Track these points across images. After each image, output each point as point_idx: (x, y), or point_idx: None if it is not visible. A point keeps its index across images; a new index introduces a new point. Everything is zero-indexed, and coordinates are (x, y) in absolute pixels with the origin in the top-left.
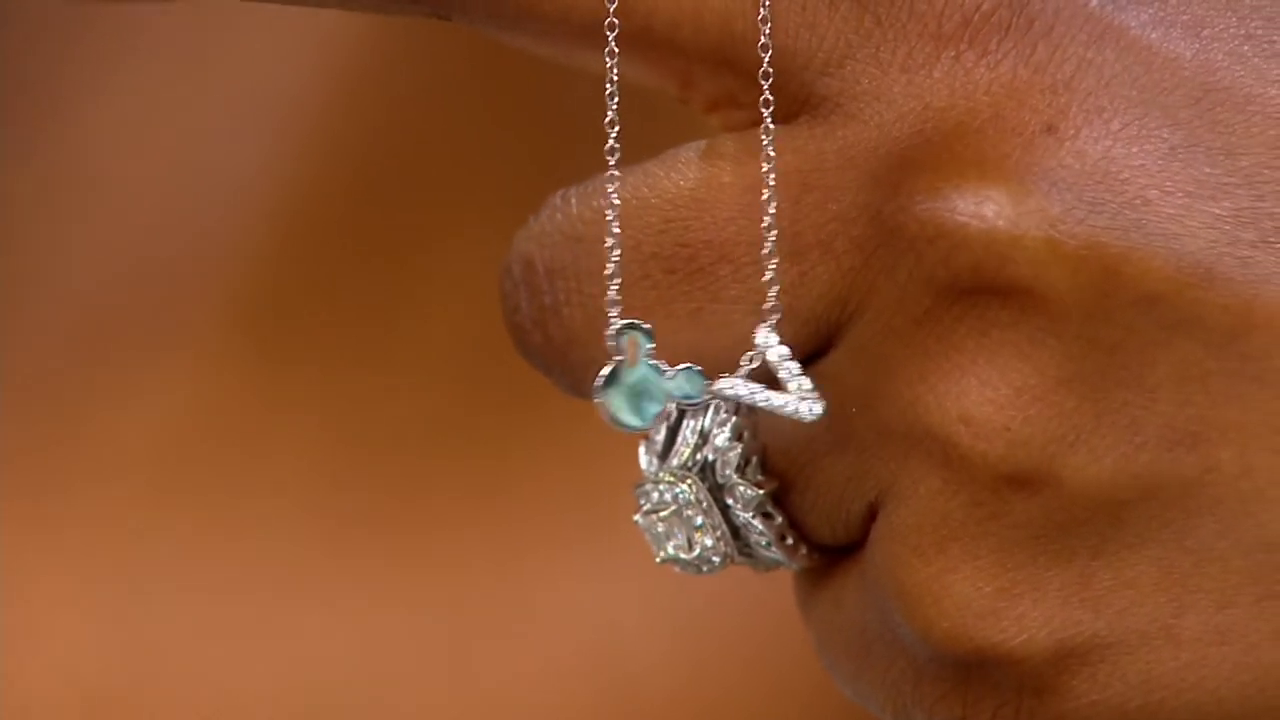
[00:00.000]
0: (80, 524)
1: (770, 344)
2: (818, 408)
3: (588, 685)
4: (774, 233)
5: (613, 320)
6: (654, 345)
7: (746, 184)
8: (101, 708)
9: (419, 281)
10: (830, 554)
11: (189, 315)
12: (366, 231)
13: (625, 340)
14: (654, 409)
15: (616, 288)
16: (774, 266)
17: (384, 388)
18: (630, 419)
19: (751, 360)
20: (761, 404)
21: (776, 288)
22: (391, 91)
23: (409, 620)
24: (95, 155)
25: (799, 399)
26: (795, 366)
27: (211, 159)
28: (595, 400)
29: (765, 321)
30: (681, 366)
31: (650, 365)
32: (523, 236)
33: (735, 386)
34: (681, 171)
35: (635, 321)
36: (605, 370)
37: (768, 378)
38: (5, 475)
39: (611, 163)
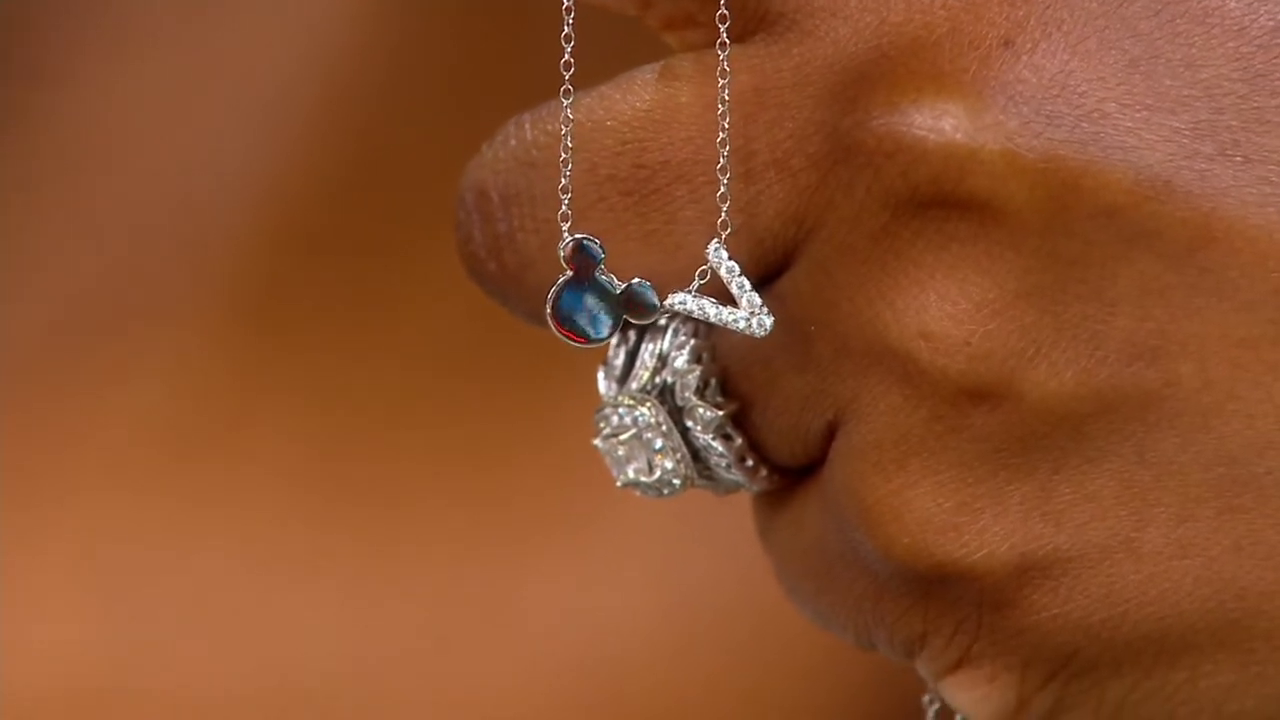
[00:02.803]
0: (68, 511)
1: (721, 260)
2: (768, 322)
3: (576, 678)
4: (726, 149)
5: (564, 235)
6: (605, 258)
7: (704, 103)
8: (91, 696)
9: (411, 270)
10: (790, 475)
11: (180, 304)
12: (359, 219)
13: (576, 254)
14: (605, 322)
15: (568, 202)
16: (726, 182)
17: (375, 378)
18: (585, 330)
19: (703, 276)
20: (713, 319)
21: (728, 204)
22: (385, 79)
23: (399, 612)
24: (85, 144)
25: (749, 314)
26: (745, 282)
27: (203, 146)
28: (547, 313)
29: (716, 238)
30: (631, 281)
31: (601, 279)
32: (476, 164)
33: (686, 301)
34: (638, 93)
35: (586, 236)
36: (556, 285)
37: (721, 294)
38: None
39: (566, 78)
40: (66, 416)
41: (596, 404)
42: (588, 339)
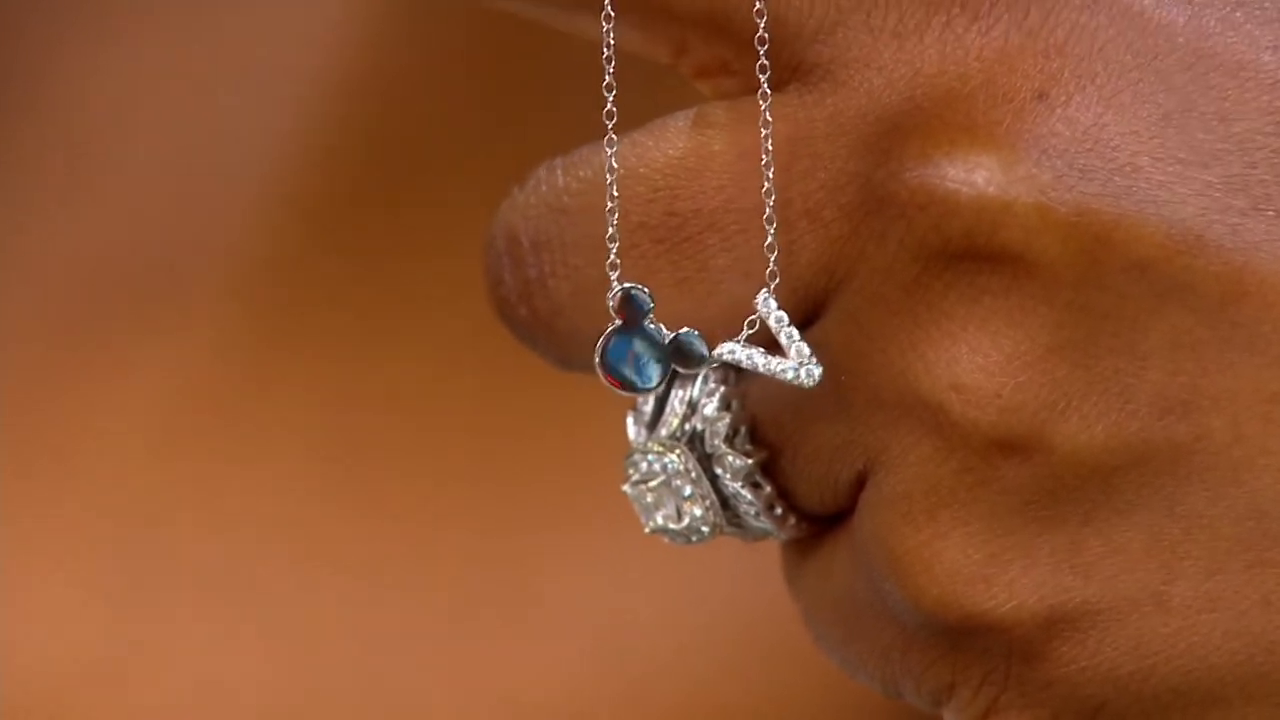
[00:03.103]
0: (70, 506)
1: (770, 309)
2: (816, 372)
3: (595, 676)
4: (773, 197)
5: (613, 284)
6: (654, 307)
7: (737, 152)
8: (94, 693)
9: (425, 266)
10: (819, 523)
11: (188, 299)
12: (371, 215)
13: (625, 304)
14: (654, 371)
15: (615, 250)
16: (774, 232)
17: (385, 373)
18: (628, 382)
19: (751, 325)
20: (761, 368)
21: (776, 254)
22: (396, 79)
23: (412, 607)
24: (90, 137)
25: (798, 364)
26: (794, 332)
27: (215, 142)
28: (596, 361)
29: (765, 287)
30: (680, 331)
31: (650, 328)
32: (507, 208)
33: (735, 351)
34: (671, 140)
35: (635, 285)
36: (605, 333)
37: (765, 343)
38: (1, 453)
39: (609, 126)
40: (71, 411)
41: (611, 399)
42: (635, 388)
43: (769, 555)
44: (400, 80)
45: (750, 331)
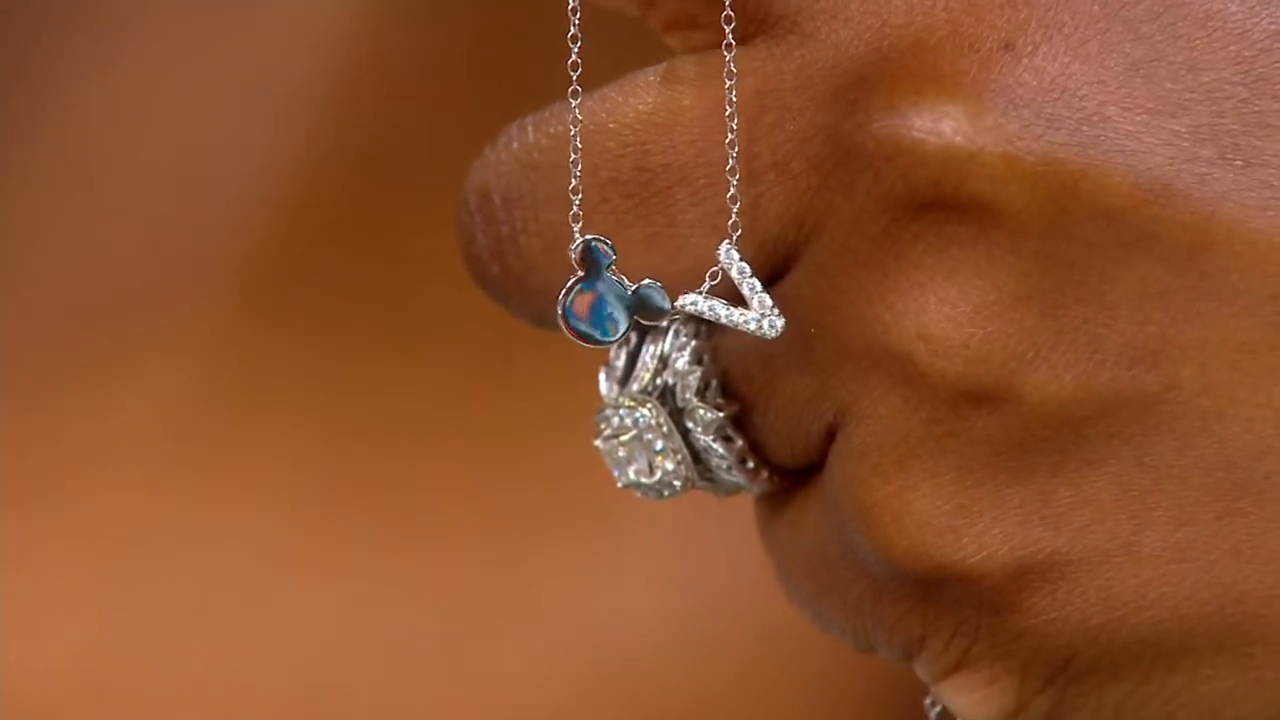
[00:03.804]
0: (73, 503)
1: (733, 261)
2: (779, 323)
3: (591, 671)
4: (735, 149)
5: (575, 236)
6: (615, 259)
7: (706, 106)
8: (98, 690)
9: (426, 261)
10: (791, 477)
11: (189, 297)
12: (371, 211)
13: (587, 255)
14: (618, 323)
15: (578, 203)
16: (737, 184)
17: (385, 372)
18: (594, 332)
19: (714, 277)
20: (724, 320)
21: (738, 204)
22: (393, 75)
23: (411, 604)
24: (93, 136)
25: (760, 315)
26: (757, 283)
27: (214, 140)
28: (558, 314)
29: (727, 239)
30: (642, 283)
31: (613, 280)
32: (478, 167)
33: (697, 302)
34: (640, 95)
35: (597, 236)
36: (568, 285)
37: (729, 296)
38: (3, 450)
39: (574, 78)
40: (74, 408)
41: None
42: (598, 340)
43: (758, 550)
44: (402, 82)
45: (713, 283)
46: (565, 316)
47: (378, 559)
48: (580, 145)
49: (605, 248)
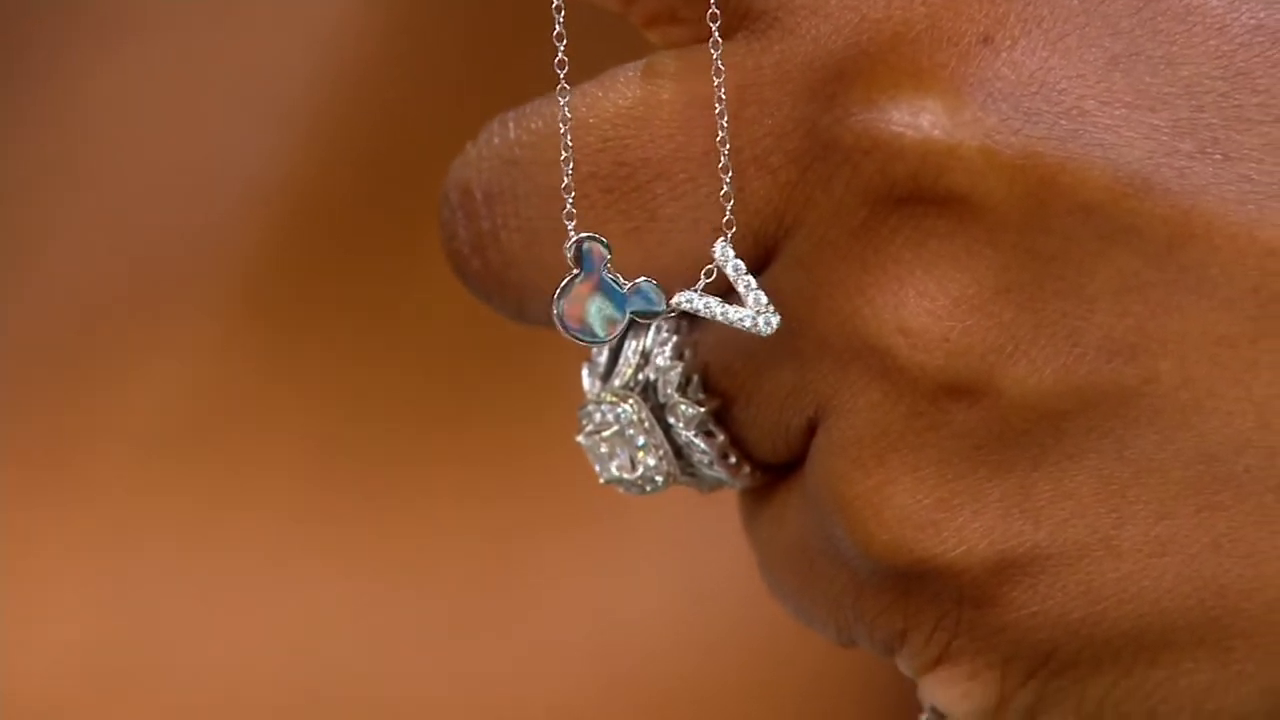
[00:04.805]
0: (76, 508)
1: (728, 258)
2: (774, 320)
3: (593, 673)
4: (727, 146)
5: (570, 234)
6: (611, 258)
7: (685, 100)
8: (100, 694)
9: (422, 265)
10: (773, 471)
11: (190, 302)
12: (372, 217)
13: (582, 253)
14: (612, 321)
15: (571, 201)
16: (729, 180)
17: (388, 375)
18: (589, 332)
19: (708, 275)
20: (719, 317)
21: (732, 202)
22: (391, 77)
23: (413, 608)
24: (92, 137)
25: (755, 312)
26: (751, 280)
27: (216, 145)
28: (553, 313)
29: (722, 235)
30: (638, 280)
31: (609, 277)
32: (459, 163)
33: (693, 300)
34: (620, 90)
35: (593, 235)
36: (563, 283)
37: (720, 292)
38: (5, 451)
39: (561, 76)
40: (75, 413)
41: None
42: (593, 340)
43: None
44: (400, 84)
45: (707, 280)
46: (560, 316)
47: (378, 559)
48: (571, 143)
49: (600, 246)
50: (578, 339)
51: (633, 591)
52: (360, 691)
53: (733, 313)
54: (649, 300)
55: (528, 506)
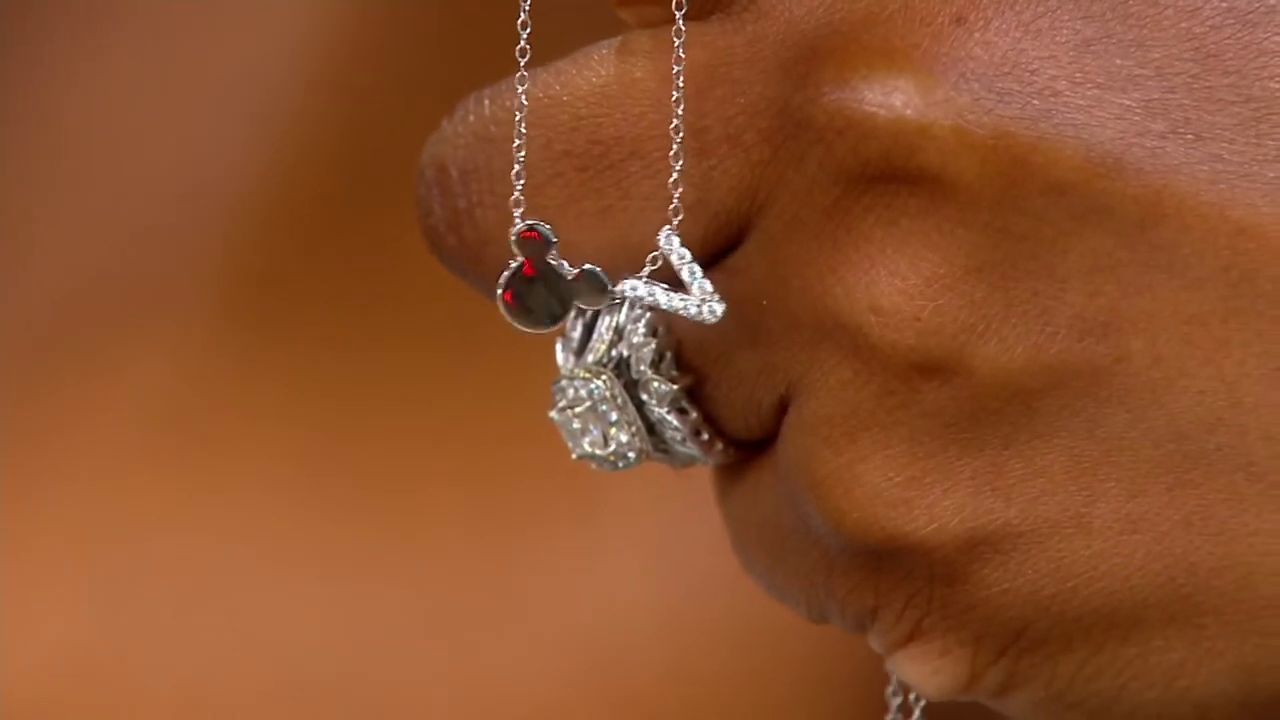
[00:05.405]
0: (68, 502)
1: (672, 246)
2: (719, 309)
3: (581, 666)
4: (680, 134)
5: (516, 221)
6: (557, 244)
7: (660, 79)
8: (93, 688)
9: (415, 257)
10: (746, 449)
11: (179, 294)
12: (360, 208)
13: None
14: (556, 308)
15: (521, 188)
16: (680, 167)
17: (377, 367)
18: (529, 320)
19: (654, 261)
20: (664, 305)
21: (680, 189)
22: (380, 71)
23: (403, 601)
24: (77, 137)
25: (700, 301)
26: (697, 268)
27: (202, 137)
28: (498, 300)
29: (668, 224)
30: (583, 267)
31: (552, 265)
32: (435, 140)
33: (637, 288)
34: (594, 68)
35: (536, 221)
36: (506, 272)
37: (672, 278)
38: None
39: (522, 63)
40: (66, 407)
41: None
42: (536, 328)
43: None
44: (387, 75)
45: (654, 267)
46: (504, 303)
47: (367, 555)
48: (525, 130)
49: (546, 231)
50: (521, 327)
51: (620, 585)
52: (351, 686)
53: (677, 300)
54: (593, 286)
55: (514, 501)
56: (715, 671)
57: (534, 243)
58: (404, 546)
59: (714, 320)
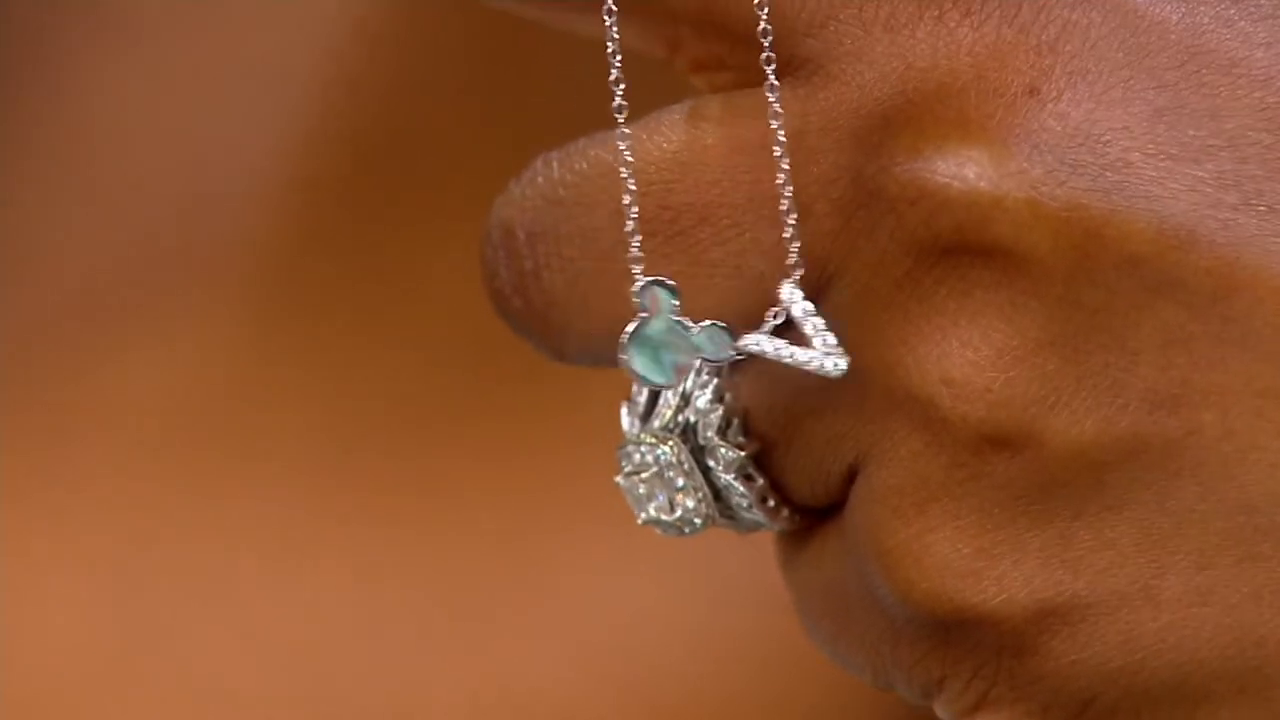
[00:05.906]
0: (76, 501)
1: (795, 299)
2: (843, 363)
3: (603, 674)
4: (789, 189)
5: (637, 277)
6: (679, 302)
7: (730, 145)
8: (99, 687)
9: (435, 260)
10: (811, 516)
11: (193, 296)
12: (379, 209)
13: (650, 297)
14: (679, 364)
15: (638, 244)
16: (793, 223)
17: (394, 370)
18: (654, 374)
19: (775, 316)
20: (786, 360)
21: (798, 244)
22: (395, 71)
23: (418, 604)
24: (93, 131)
25: (824, 354)
26: (820, 322)
27: (218, 134)
28: (620, 356)
29: (789, 277)
30: (706, 323)
31: (674, 320)
32: (502, 202)
33: (760, 342)
34: (665, 134)
35: (661, 278)
36: (630, 326)
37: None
38: (3, 439)
39: (620, 120)
40: (76, 406)
41: (621, 395)
42: (660, 384)
43: (771, 554)
44: (398, 79)
45: (775, 323)
46: (627, 359)
47: (384, 556)
48: (634, 186)
49: (670, 288)
50: (645, 382)
51: (645, 592)
52: (364, 689)
53: (800, 354)
54: (717, 343)
55: (537, 507)
56: (742, 685)
57: (657, 298)
58: (424, 549)
59: (838, 374)
